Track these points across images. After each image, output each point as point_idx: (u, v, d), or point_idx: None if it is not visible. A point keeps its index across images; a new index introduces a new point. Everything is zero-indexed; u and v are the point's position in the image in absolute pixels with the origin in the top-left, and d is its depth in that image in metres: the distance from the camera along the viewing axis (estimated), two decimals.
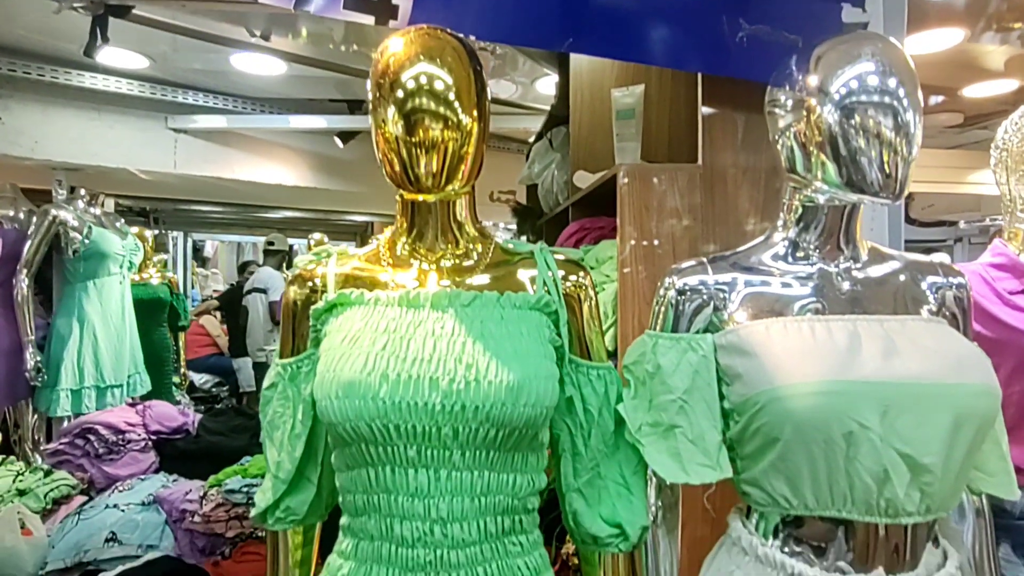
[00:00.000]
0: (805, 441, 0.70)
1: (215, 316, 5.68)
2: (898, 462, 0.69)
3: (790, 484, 0.73)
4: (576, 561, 1.64)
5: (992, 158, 1.30)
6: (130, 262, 2.74)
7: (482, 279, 0.82)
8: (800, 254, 0.83)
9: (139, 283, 3.31)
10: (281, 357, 0.86)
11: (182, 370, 4.02)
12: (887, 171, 0.74)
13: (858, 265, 0.83)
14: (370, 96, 0.77)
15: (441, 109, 0.74)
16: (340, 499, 0.77)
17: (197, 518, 1.86)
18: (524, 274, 0.84)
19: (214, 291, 7.09)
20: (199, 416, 2.65)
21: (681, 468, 0.79)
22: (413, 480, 0.69)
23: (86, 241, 2.47)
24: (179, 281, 5.18)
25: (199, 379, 5.07)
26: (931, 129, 3.97)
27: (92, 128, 3.11)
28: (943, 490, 0.70)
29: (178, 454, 2.37)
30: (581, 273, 0.86)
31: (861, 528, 0.72)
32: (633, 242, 1.40)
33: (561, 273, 0.85)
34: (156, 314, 3.46)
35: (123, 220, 2.96)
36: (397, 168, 0.76)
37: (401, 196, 0.81)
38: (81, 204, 2.59)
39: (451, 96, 0.74)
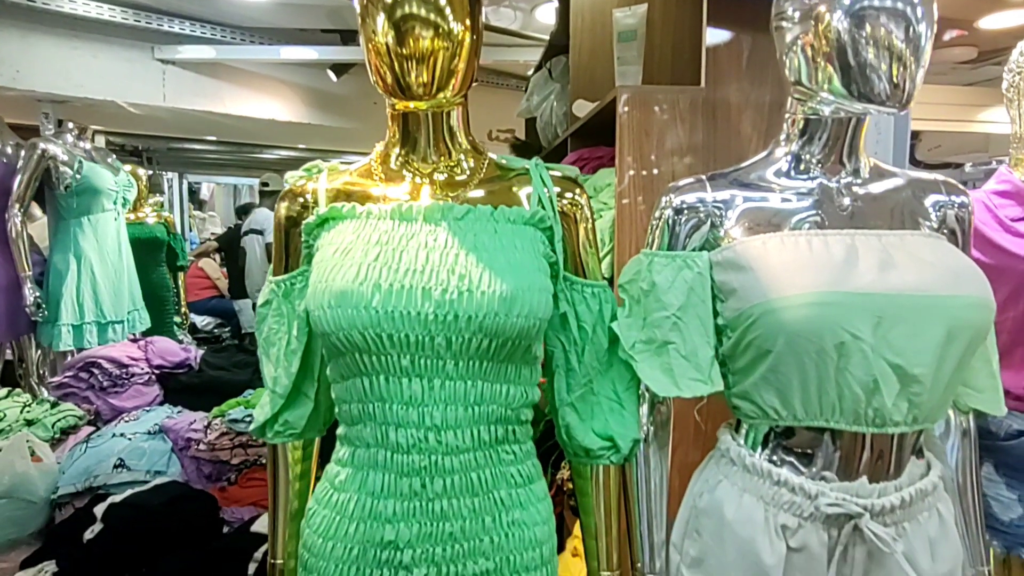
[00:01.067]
0: (797, 352, 0.71)
1: (214, 259, 5.68)
2: (888, 373, 0.69)
3: (780, 396, 0.74)
4: (571, 486, 1.69)
5: (1004, 82, 1.26)
6: (124, 199, 2.70)
7: (476, 193, 0.80)
8: (801, 168, 0.81)
9: (135, 222, 3.28)
10: (274, 274, 0.85)
11: (183, 310, 4.03)
12: (895, 82, 0.71)
13: (859, 180, 0.81)
14: (358, 7, 0.74)
15: (432, 16, 0.71)
16: (336, 410, 0.78)
17: (202, 446, 1.90)
18: (519, 190, 0.82)
19: (212, 234, 7.05)
20: (201, 352, 2.68)
21: (673, 383, 0.80)
22: (407, 389, 0.70)
23: (77, 176, 2.42)
24: (176, 222, 5.14)
25: (201, 321, 5.12)
26: (943, 65, 3.84)
27: (75, 57, 3.01)
28: (931, 401, 0.71)
29: (181, 388, 2.40)
30: (577, 191, 0.85)
31: (848, 438, 0.74)
32: (632, 172, 1.37)
33: (557, 190, 0.83)
34: (154, 253, 3.44)
35: (114, 156, 2.90)
36: (389, 80, 0.74)
37: (393, 106, 0.79)
38: (70, 138, 2.53)
39: (442, 2, 0.71)
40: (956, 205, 0.84)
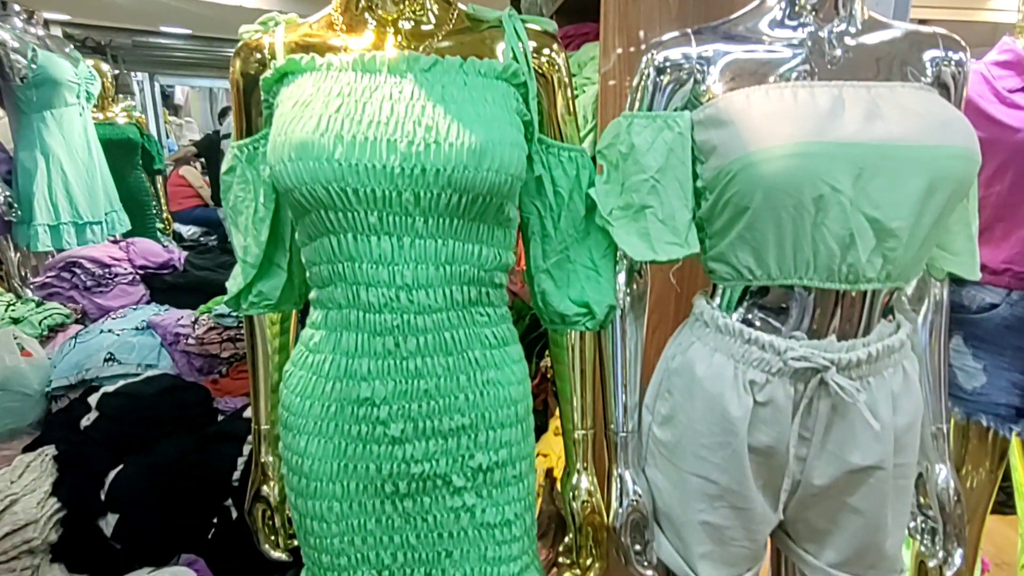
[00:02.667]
0: (774, 207, 0.69)
1: (196, 167, 5.50)
2: (865, 227, 0.68)
3: (755, 254, 0.73)
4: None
5: None
6: (87, 92, 2.56)
7: (444, 44, 0.75)
8: (795, 12, 0.76)
9: (104, 122, 3.13)
10: (236, 139, 0.81)
11: (165, 215, 3.95)
12: None
13: (853, 31, 0.76)
14: None
15: None
16: (307, 274, 0.77)
17: (191, 340, 1.93)
18: (491, 43, 0.77)
19: (190, 140, 6.80)
20: (185, 254, 2.66)
21: (650, 247, 0.79)
22: (376, 247, 0.68)
23: (33, 66, 2.27)
24: (151, 128, 4.93)
25: (186, 231, 5.03)
26: None
27: None
28: (905, 258, 0.71)
29: (167, 288, 2.40)
30: (555, 46, 0.79)
31: (820, 297, 0.74)
32: (620, 50, 1.29)
33: (533, 45, 0.78)
34: (128, 156, 3.32)
35: (72, 47, 2.71)
36: None
37: None
38: (19, 23, 2.35)
39: None
40: (953, 62, 0.79)
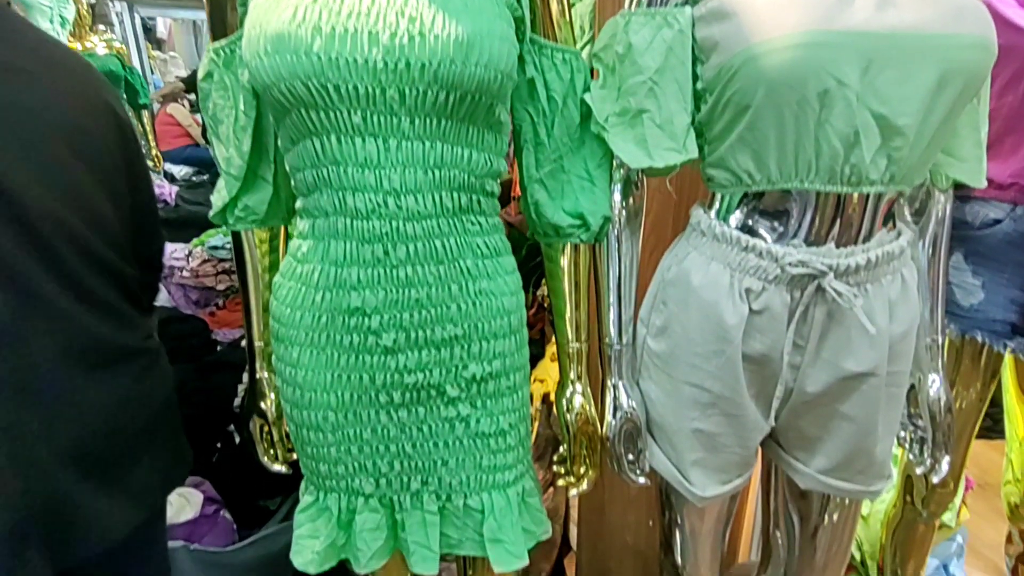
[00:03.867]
0: (777, 104, 0.66)
1: (184, 105, 5.34)
2: (871, 124, 0.65)
3: (755, 157, 0.71)
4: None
5: None
6: (61, 17, 2.44)
7: None
8: None
9: (83, 53, 3.02)
10: (211, 42, 0.77)
11: (154, 152, 3.87)
12: None
13: None
14: None
15: None
16: (292, 182, 0.74)
17: (186, 273, 1.92)
18: None
19: (176, 76, 6.57)
20: (176, 188, 2.61)
21: (646, 153, 0.76)
22: (361, 150, 0.66)
23: None
24: (134, 62, 4.75)
25: (178, 171, 4.93)
26: None
27: None
28: (911, 158, 0.68)
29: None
30: None
31: (820, 202, 0.72)
32: None
33: None
34: None
35: None
36: None
37: None
38: None
39: None
40: None
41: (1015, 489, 1.28)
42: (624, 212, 0.86)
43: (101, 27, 4.04)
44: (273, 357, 0.80)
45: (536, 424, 1.55)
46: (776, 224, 0.75)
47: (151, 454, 0.83)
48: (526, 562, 0.82)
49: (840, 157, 0.67)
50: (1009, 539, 1.33)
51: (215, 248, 1.92)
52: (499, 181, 0.77)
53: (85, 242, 0.72)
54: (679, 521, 0.97)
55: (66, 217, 0.70)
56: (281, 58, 0.62)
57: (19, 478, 0.66)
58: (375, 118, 0.64)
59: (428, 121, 0.66)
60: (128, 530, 0.77)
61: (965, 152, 0.81)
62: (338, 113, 0.64)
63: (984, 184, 0.85)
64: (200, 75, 0.79)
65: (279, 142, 0.74)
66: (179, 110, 5.22)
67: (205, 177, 4.97)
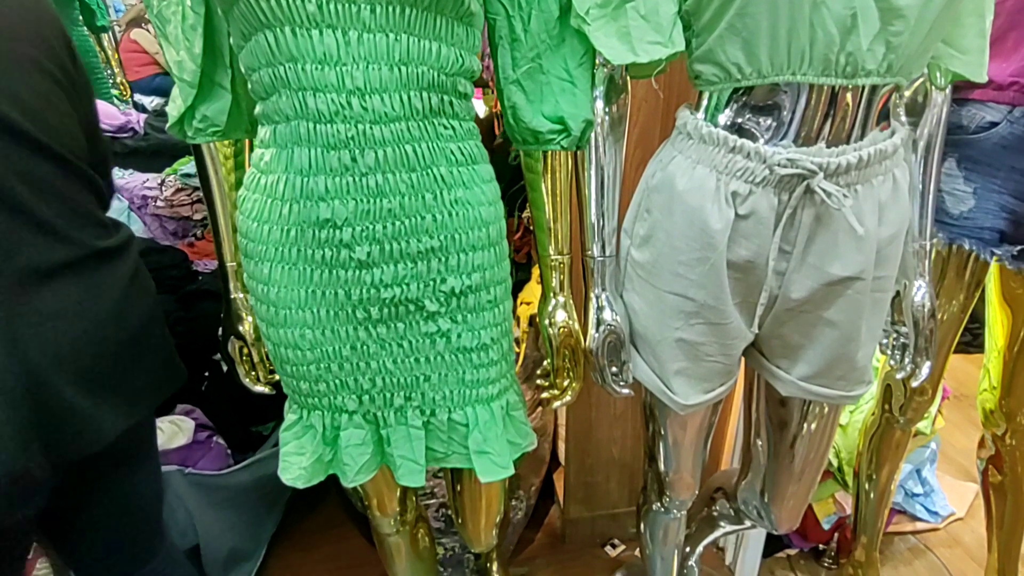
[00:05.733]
0: None
1: (148, 30, 5.03)
2: (869, 6, 0.61)
3: (745, 48, 0.66)
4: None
5: None
6: None
7: None
8: None
9: None
10: None
11: (119, 79, 3.67)
12: None
13: None
14: None
15: None
16: (249, 85, 0.69)
17: (160, 203, 1.86)
18: None
19: None
20: (145, 116, 2.49)
21: (630, 48, 0.71)
22: (319, 44, 0.60)
23: None
24: None
25: (148, 101, 4.71)
26: None
27: None
28: (911, 45, 0.64)
29: (128, 152, 2.27)
30: None
31: (812, 97, 0.68)
32: None
33: None
34: (64, 10, 2.99)
35: None
36: None
37: None
38: None
39: None
40: None
41: (990, 396, 1.31)
42: (607, 117, 0.82)
43: None
44: (244, 275, 0.77)
45: (523, 346, 1.55)
46: (765, 123, 0.71)
47: (141, 364, 0.84)
48: (512, 472, 0.83)
49: (836, 44, 0.63)
50: (982, 443, 1.38)
51: (189, 176, 1.85)
52: (473, 81, 0.72)
53: (54, 149, 0.73)
54: (662, 432, 0.99)
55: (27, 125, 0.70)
56: None
57: (19, 380, 0.68)
58: (331, 6, 0.59)
59: (390, 9, 0.60)
60: (117, 433, 0.79)
61: (967, 43, 0.77)
62: (290, 2, 0.58)
63: (985, 78, 0.81)
64: None
65: (232, 40, 0.68)
66: (144, 35, 4.92)
67: None
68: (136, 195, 1.88)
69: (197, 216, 1.87)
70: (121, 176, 2.01)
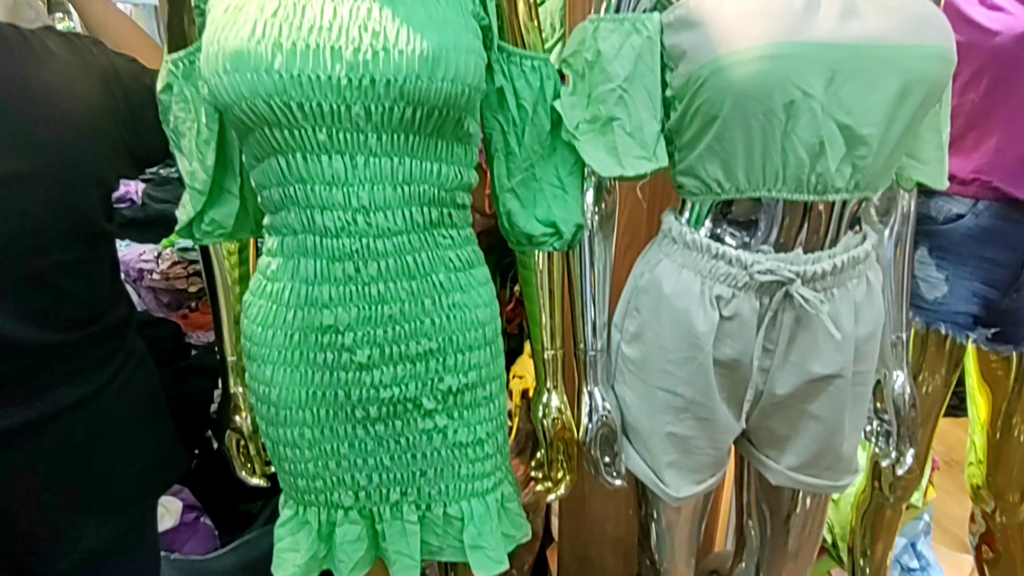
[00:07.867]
0: (744, 115, 0.66)
1: None
2: (835, 134, 0.66)
3: (724, 166, 0.71)
4: None
5: None
6: None
7: None
8: None
9: None
10: (168, 53, 0.75)
11: None
12: None
13: None
14: None
15: None
16: (259, 199, 0.73)
17: (156, 275, 1.87)
18: None
19: None
20: (143, 186, 2.54)
21: (617, 162, 0.76)
22: (328, 167, 0.65)
23: None
24: None
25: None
26: None
27: None
28: (875, 166, 0.70)
29: (126, 222, 2.29)
30: None
31: (788, 210, 0.73)
32: None
33: None
34: None
35: None
36: None
37: None
38: None
39: None
40: None
41: (977, 471, 1.33)
42: (596, 216, 0.87)
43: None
44: (246, 375, 0.79)
45: (516, 420, 1.56)
46: (745, 231, 0.76)
47: (132, 461, 0.84)
48: (506, 566, 0.83)
49: (806, 166, 0.68)
50: (972, 519, 1.38)
51: (185, 250, 1.88)
52: (470, 191, 0.76)
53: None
54: (655, 516, 0.99)
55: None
56: (241, 76, 0.60)
57: None
58: (341, 135, 0.63)
59: (395, 137, 0.65)
60: (109, 540, 0.78)
61: (927, 155, 0.83)
62: (303, 131, 0.63)
63: (946, 185, 0.87)
64: (159, 87, 0.77)
65: (244, 158, 0.72)
66: None
67: (173, 170, 4.85)
68: (133, 268, 1.90)
69: (192, 288, 1.89)
70: (118, 247, 2.03)
